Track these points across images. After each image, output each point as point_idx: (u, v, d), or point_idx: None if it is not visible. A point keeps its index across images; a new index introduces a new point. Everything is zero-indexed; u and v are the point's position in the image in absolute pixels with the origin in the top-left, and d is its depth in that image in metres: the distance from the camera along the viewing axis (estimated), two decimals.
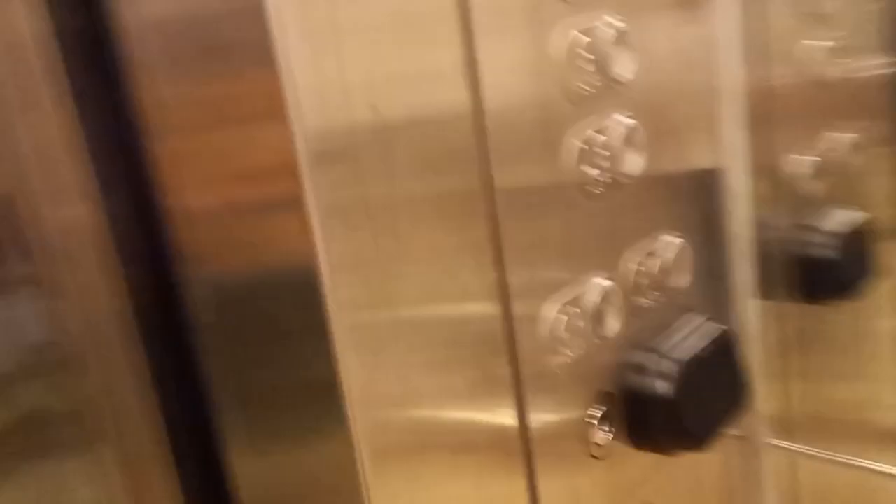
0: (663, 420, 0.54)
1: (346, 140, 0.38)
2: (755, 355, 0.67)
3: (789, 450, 0.76)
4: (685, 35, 0.59)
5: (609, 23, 0.51)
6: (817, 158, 0.76)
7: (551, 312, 0.49)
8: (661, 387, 0.54)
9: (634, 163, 0.54)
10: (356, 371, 0.39)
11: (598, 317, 0.52)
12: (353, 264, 0.39)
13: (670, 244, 0.58)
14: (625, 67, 0.52)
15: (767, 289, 0.70)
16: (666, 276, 0.58)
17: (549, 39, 0.48)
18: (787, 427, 0.74)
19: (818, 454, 0.79)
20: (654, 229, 0.57)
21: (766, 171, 0.70)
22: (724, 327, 0.59)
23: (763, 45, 0.69)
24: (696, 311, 0.61)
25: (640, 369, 0.55)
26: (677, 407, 0.54)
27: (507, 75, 0.46)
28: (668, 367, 0.55)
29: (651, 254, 0.57)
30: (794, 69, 0.74)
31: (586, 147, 0.50)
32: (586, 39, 0.49)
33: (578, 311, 0.51)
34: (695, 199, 0.62)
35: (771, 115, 0.71)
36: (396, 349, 0.41)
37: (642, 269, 0.56)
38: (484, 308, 0.46)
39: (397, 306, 0.41)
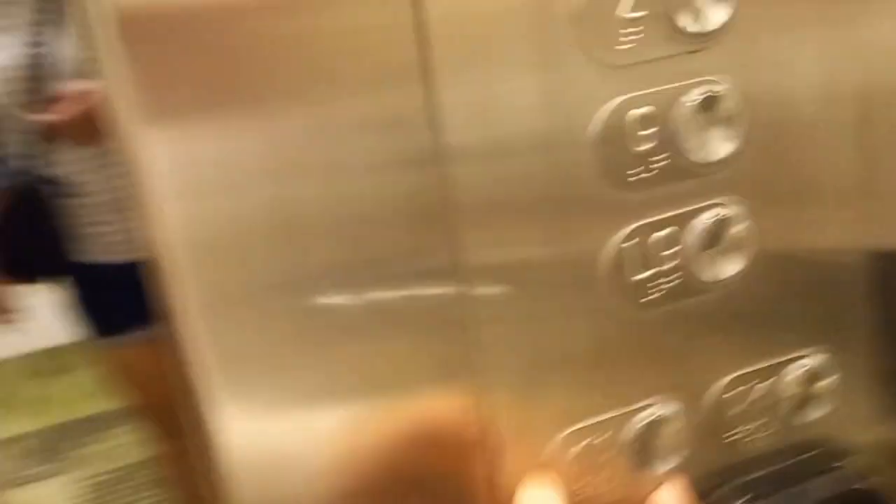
0: None
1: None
2: None
3: None
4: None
5: (686, 87, 0.39)
6: None
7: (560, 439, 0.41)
8: None
9: (720, 264, 0.41)
10: None
11: (639, 449, 0.42)
12: None
13: (795, 364, 0.44)
14: (712, 144, 0.40)
15: None
16: (785, 404, 0.44)
17: (581, 106, 0.38)
18: None
19: None
20: (768, 344, 0.44)
21: None
22: (870, 489, 0.44)
23: None
24: (846, 456, 0.46)
25: None
26: None
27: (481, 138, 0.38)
28: None
29: (761, 375, 0.44)
30: None
31: (630, 245, 0.40)
32: (641, 111, 0.38)
33: (606, 440, 0.41)
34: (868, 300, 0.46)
35: None
36: None
37: (734, 396, 0.43)
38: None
39: None
